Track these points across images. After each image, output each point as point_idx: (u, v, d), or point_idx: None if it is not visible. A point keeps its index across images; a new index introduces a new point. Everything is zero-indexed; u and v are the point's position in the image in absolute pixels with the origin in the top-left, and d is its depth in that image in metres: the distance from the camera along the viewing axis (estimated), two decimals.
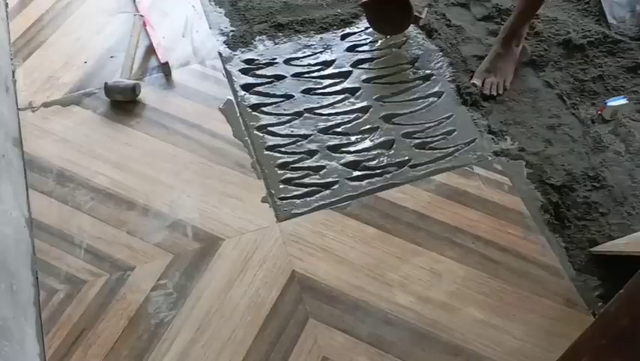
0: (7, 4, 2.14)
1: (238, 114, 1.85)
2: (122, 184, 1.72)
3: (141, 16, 2.03)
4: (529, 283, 1.53)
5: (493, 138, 1.80)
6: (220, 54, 2.00)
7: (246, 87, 1.92)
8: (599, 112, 1.85)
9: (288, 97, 1.89)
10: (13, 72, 1.97)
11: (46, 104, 1.89)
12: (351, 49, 2.01)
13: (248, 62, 1.98)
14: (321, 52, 2.01)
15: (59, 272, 1.57)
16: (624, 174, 1.73)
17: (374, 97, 1.89)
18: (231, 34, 2.06)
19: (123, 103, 1.87)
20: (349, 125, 1.82)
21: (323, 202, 1.67)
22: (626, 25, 2.04)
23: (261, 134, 1.80)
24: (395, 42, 2.03)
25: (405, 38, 2.03)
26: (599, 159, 1.76)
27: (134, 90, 1.85)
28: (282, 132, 1.81)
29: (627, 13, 2.06)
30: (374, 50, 2.01)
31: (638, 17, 2.04)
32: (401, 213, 1.64)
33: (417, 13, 1.96)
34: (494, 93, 1.87)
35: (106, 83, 1.85)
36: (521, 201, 1.66)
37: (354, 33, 2.06)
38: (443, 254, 1.57)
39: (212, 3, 2.16)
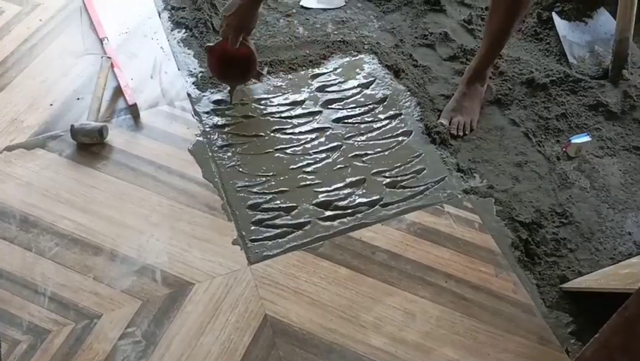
0: None
1: (208, 155, 1.84)
2: (88, 229, 1.67)
3: (108, 57, 2.02)
4: (502, 321, 1.53)
5: (462, 176, 1.82)
6: (189, 95, 2.00)
7: (216, 128, 1.91)
8: (564, 149, 1.89)
9: (258, 137, 1.89)
10: None
11: (9, 148, 1.85)
12: (321, 89, 2.03)
13: (217, 102, 1.98)
14: (290, 92, 2.02)
15: (22, 322, 1.51)
16: (590, 210, 1.76)
17: (344, 136, 1.90)
18: (200, 75, 2.06)
19: (90, 145, 1.84)
20: (319, 164, 1.82)
21: (295, 243, 1.65)
22: (586, 65, 2.11)
23: (231, 176, 1.79)
24: (363, 82, 2.05)
25: (371, 79, 2.06)
26: (566, 195, 1.79)
27: (101, 133, 1.83)
28: (252, 173, 1.80)
29: (587, 53, 2.13)
30: (343, 90, 2.03)
31: (597, 57, 2.11)
32: (373, 252, 1.63)
33: (259, 69, 1.94)
34: (461, 133, 1.90)
35: (72, 126, 1.83)
36: (492, 239, 1.67)
37: (324, 73, 2.08)
38: (416, 294, 1.56)
39: (181, 45, 2.16)
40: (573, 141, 1.87)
